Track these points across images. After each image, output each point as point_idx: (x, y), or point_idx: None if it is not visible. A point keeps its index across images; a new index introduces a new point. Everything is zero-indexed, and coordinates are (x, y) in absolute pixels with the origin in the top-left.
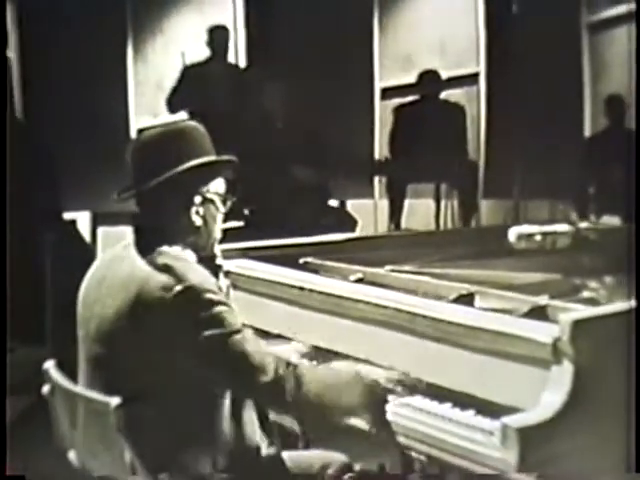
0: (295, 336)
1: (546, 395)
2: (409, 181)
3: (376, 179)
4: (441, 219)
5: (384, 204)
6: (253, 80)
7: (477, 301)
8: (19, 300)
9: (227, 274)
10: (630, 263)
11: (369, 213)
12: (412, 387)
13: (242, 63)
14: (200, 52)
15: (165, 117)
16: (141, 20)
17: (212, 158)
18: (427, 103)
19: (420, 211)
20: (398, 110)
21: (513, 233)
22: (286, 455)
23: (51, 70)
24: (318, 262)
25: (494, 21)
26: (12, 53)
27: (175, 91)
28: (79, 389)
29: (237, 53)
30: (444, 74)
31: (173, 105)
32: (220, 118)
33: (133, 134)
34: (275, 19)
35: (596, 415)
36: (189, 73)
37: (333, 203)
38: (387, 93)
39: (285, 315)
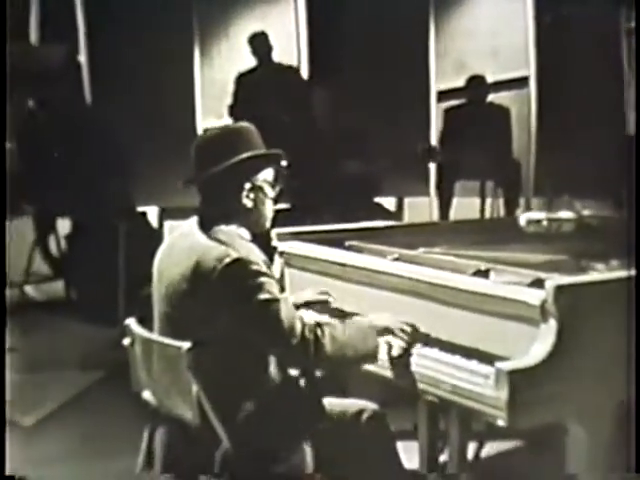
0: (338, 305)
1: (534, 347)
2: (457, 179)
3: (431, 178)
4: (486, 216)
5: None
6: (311, 83)
7: (492, 276)
8: (94, 283)
9: (281, 254)
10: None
11: (425, 210)
12: (420, 339)
13: (304, 66)
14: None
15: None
16: (207, 26)
17: (260, 151)
18: (474, 106)
19: (466, 208)
20: (448, 112)
21: (523, 218)
22: (326, 401)
23: (121, 74)
24: (360, 245)
25: (542, 27)
26: (82, 57)
27: (234, 100)
28: (155, 337)
29: (299, 57)
30: (496, 78)
31: (234, 113)
32: (275, 118)
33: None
34: (336, 24)
35: (576, 366)
36: (242, 82)
37: (383, 200)
38: (443, 96)
39: (331, 288)
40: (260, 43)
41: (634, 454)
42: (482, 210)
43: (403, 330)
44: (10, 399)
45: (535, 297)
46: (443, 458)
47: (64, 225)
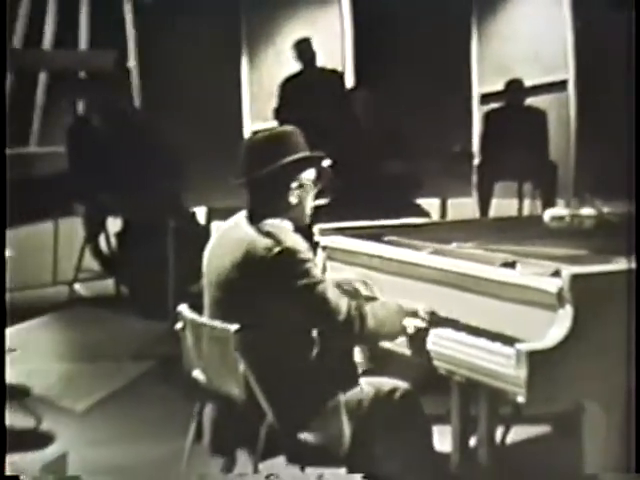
0: (375, 294)
1: (552, 331)
2: (496, 180)
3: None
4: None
5: None
6: (355, 85)
7: (518, 267)
8: (144, 279)
9: (324, 248)
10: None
11: (467, 211)
12: (442, 322)
13: (349, 69)
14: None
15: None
16: (255, 31)
17: (306, 154)
18: (512, 109)
19: (505, 209)
20: (487, 115)
21: (547, 215)
22: (363, 380)
23: (170, 78)
24: (398, 239)
25: (581, 32)
26: (132, 63)
27: (279, 104)
28: (205, 320)
29: (344, 60)
30: (536, 81)
31: (279, 116)
32: (318, 121)
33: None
34: (380, 29)
35: (591, 349)
36: (287, 86)
37: (426, 201)
38: (484, 99)
39: (370, 279)
40: (304, 49)
41: (634, 454)
42: (520, 210)
43: (423, 313)
44: (61, 387)
45: (553, 285)
46: (473, 442)
47: (114, 224)
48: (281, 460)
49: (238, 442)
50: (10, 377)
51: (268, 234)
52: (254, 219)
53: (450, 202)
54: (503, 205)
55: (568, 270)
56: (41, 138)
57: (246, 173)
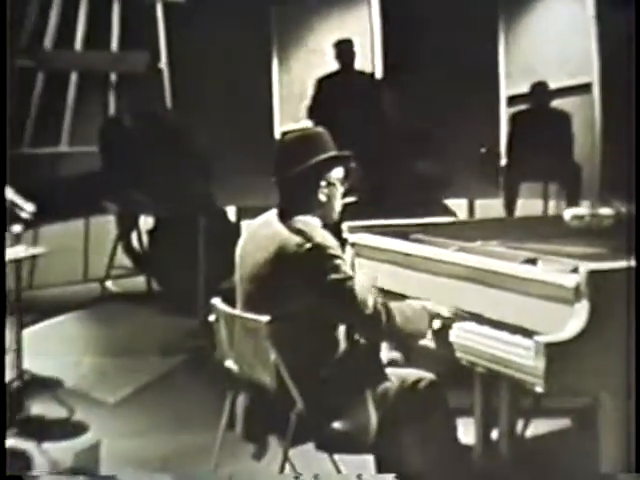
0: (402, 290)
1: (569, 324)
2: (521, 181)
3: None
4: None
5: None
6: (384, 88)
7: (539, 265)
8: (175, 276)
9: (352, 245)
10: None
11: (495, 211)
12: (463, 317)
13: (378, 69)
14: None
15: (305, 122)
16: (285, 33)
17: (334, 153)
18: (538, 111)
19: (530, 209)
20: (514, 117)
21: (568, 214)
22: (389, 370)
23: (202, 80)
24: (424, 237)
25: (605, 35)
26: (163, 64)
27: (313, 102)
28: (238, 312)
29: (374, 64)
30: (562, 84)
31: (312, 115)
32: (350, 121)
33: (277, 137)
34: (409, 31)
35: (606, 342)
36: (322, 85)
37: (454, 202)
38: (512, 101)
39: (397, 276)
40: (345, 49)
41: (634, 454)
42: (545, 211)
43: (448, 313)
44: (94, 380)
45: (570, 280)
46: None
47: (146, 222)
48: (310, 447)
49: (269, 429)
50: (43, 370)
51: (299, 231)
52: (284, 216)
53: (478, 203)
54: (528, 206)
55: (585, 266)
56: (72, 138)
57: (277, 172)
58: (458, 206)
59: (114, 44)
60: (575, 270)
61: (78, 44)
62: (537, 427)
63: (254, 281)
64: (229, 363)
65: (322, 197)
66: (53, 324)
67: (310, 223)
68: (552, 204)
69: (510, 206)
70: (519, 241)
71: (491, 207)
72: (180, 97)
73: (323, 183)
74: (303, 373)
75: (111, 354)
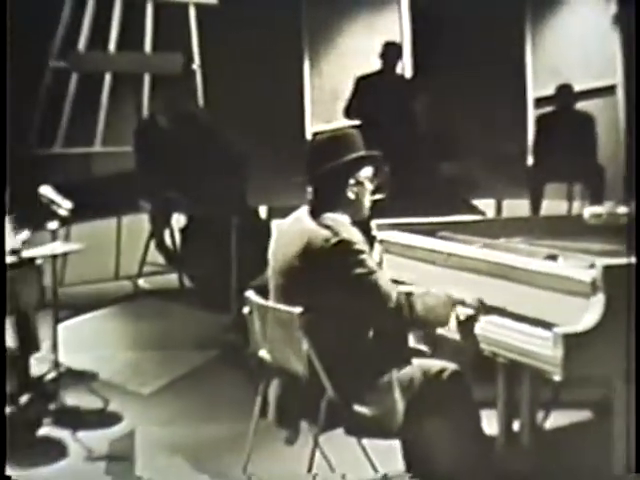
0: (427, 285)
1: (586, 316)
2: (547, 182)
3: None
4: None
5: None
6: (416, 90)
7: (560, 261)
8: (208, 273)
9: (381, 242)
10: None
11: (522, 211)
12: (487, 310)
13: (408, 74)
14: (369, 65)
15: (336, 123)
16: (316, 35)
17: (363, 153)
18: (563, 113)
19: (555, 210)
20: (540, 119)
21: (587, 212)
22: (416, 361)
23: (234, 81)
24: (451, 235)
25: (629, 38)
26: (196, 65)
27: (350, 100)
28: (271, 304)
29: (403, 66)
30: (587, 86)
31: (349, 112)
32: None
33: (308, 138)
34: (438, 34)
35: (620, 333)
36: (361, 84)
37: (482, 202)
38: (539, 102)
39: (423, 272)
40: (391, 52)
41: (634, 454)
42: (569, 211)
43: (472, 302)
44: (128, 373)
45: (587, 275)
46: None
47: (178, 220)
48: (340, 432)
49: (301, 415)
50: (78, 363)
51: (327, 227)
52: (315, 213)
53: (505, 203)
54: (554, 206)
55: (601, 262)
56: (105, 138)
57: (309, 170)
58: (486, 206)
59: (147, 46)
60: (592, 266)
61: (112, 46)
62: (557, 419)
63: (285, 275)
64: (262, 353)
65: (351, 195)
66: (87, 319)
67: (339, 220)
68: (576, 205)
69: (536, 206)
70: (541, 238)
71: (518, 207)
72: (212, 98)
73: (352, 181)
74: (333, 362)
75: (145, 348)
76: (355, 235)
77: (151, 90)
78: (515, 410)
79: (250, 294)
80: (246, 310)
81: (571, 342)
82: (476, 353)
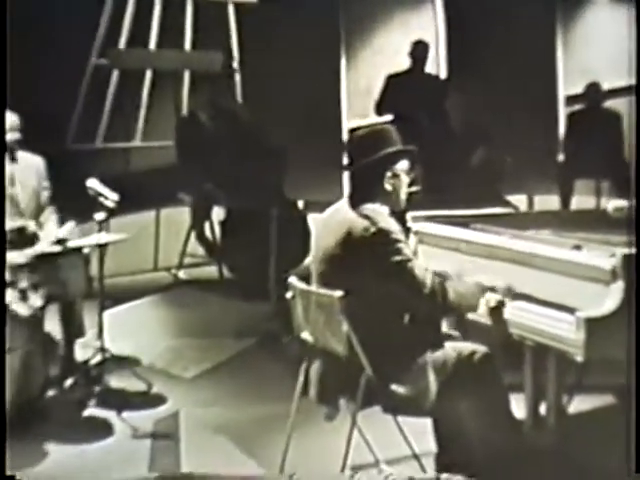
0: (460, 273)
1: (606, 301)
2: (576, 178)
3: None
4: None
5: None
6: (446, 87)
7: (584, 251)
8: (247, 264)
9: (415, 233)
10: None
11: (553, 206)
12: (515, 295)
13: (443, 74)
14: (403, 63)
15: (371, 119)
16: (353, 33)
17: (399, 147)
18: (591, 111)
19: (584, 205)
20: (570, 116)
21: (610, 206)
22: (448, 344)
23: (272, 78)
24: (483, 226)
25: None
26: (235, 63)
27: (381, 98)
28: (313, 288)
29: (438, 64)
30: (616, 84)
31: (380, 109)
32: (416, 117)
33: (345, 134)
34: (471, 32)
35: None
36: (392, 82)
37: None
38: (570, 100)
39: (457, 261)
40: (419, 50)
41: (634, 454)
42: (597, 207)
43: (502, 289)
44: (170, 358)
45: (608, 263)
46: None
47: (218, 212)
48: (377, 409)
49: (340, 393)
50: (121, 350)
51: (366, 217)
52: (354, 203)
53: (537, 199)
54: (582, 202)
55: (621, 250)
56: (145, 133)
57: (348, 163)
58: (518, 201)
59: (187, 44)
60: (613, 255)
61: (152, 44)
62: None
63: (327, 261)
64: (304, 335)
65: (388, 187)
66: (128, 308)
67: (377, 210)
68: (604, 200)
69: (565, 201)
70: (568, 230)
71: (549, 203)
72: (251, 94)
73: (389, 174)
74: (371, 342)
75: (185, 336)
76: (392, 225)
77: (191, 87)
78: (541, 394)
79: (293, 280)
80: (289, 295)
81: (593, 325)
82: (505, 337)
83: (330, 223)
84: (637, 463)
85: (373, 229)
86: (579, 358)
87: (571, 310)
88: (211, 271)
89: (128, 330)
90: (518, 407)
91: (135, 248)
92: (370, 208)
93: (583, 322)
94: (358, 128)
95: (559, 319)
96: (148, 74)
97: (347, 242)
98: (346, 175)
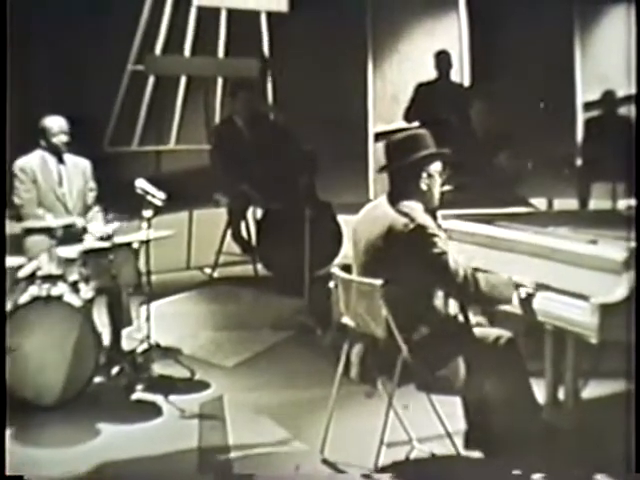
0: (486, 266)
1: (618, 289)
2: (593, 181)
3: None
4: None
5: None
6: (471, 95)
7: (600, 244)
8: (283, 261)
9: (445, 230)
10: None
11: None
12: (537, 286)
13: (466, 81)
14: (427, 70)
15: (397, 124)
16: (379, 41)
17: (433, 150)
18: (607, 117)
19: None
20: (587, 123)
21: (623, 204)
22: (476, 329)
23: (303, 85)
24: (506, 224)
25: None
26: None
27: (410, 104)
28: (355, 277)
29: (462, 71)
30: (630, 91)
31: (408, 117)
32: (445, 125)
33: (370, 138)
34: (494, 40)
35: None
36: (420, 91)
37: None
38: (587, 107)
39: (483, 255)
40: (442, 60)
41: (634, 454)
42: (613, 208)
43: (530, 282)
44: (210, 349)
45: (620, 255)
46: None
47: (254, 212)
48: (412, 388)
49: (379, 372)
50: (162, 341)
51: (405, 214)
52: (393, 201)
53: (556, 202)
54: (599, 205)
55: (631, 244)
56: (179, 137)
57: (387, 165)
58: (539, 204)
59: (220, 51)
60: (624, 248)
61: (186, 51)
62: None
63: (368, 253)
64: (345, 320)
65: (423, 186)
66: (167, 303)
67: (414, 207)
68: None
69: (583, 203)
70: (583, 227)
71: (567, 205)
72: (282, 100)
73: (424, 174)
74: (408, 326)
75: (223, 329)
76: (428, 221)
77: (227, 93)
78: (560, 380)
79: (336, 270)
80: (332, 284)
81: (606, 311)
82: (533, 324)
83: (370, 218)
84: (637, 463)
85: (412, 225)
86: (593, 340)
87: (586, 298)
88: (245, 269)
89: (168, 323)
90: (539, 393)
91: (168, 248)
92: (407, 205)
93: (597, 308)
94: (385, 133)
95: (576, 306)
96: (182, 80)
97: (388, 236)
98: (378, 176)
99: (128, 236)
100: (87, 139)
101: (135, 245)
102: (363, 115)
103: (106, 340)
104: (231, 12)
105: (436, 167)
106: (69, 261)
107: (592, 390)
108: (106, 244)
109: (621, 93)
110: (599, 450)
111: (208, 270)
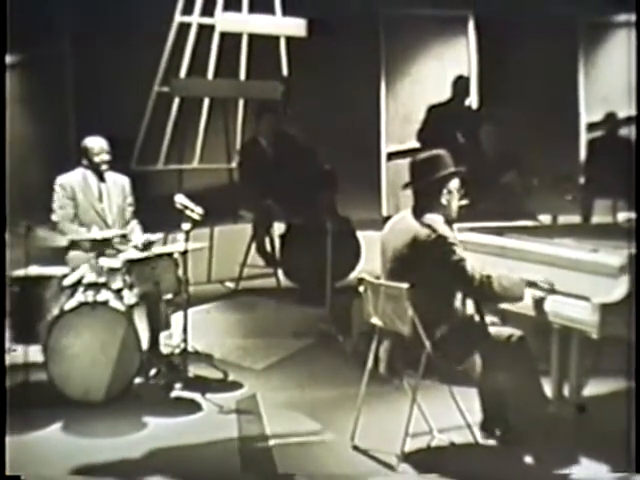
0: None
1: (616, 290)
2: (595, 198)
3: None
4: None
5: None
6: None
7: (601, 253)
8: (305, 274)
9: (461, 242)
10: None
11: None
12: (551, 290)
13: (474, 103)
14: (438, 92)
15: (408, 144)
16: (393, 65)
17: (452, 169)
18: (608, 137)
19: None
20: (590, 143)
21: (621, 217)
22: (490, 328)
23: (319, 107)
24: (515, 235)
25: None
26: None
27: (423, 126)
28: (384, 282)
29: (470, 94)
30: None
31: (421, 137)
32: (457, 147)
33: (383, 158)
34: (502, 65)
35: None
36: (433, 112)
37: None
38: (591, 127)
39: (494, 263)
40: (460, 85)
41: (634, 454)
42: (613, 222)
43: (544, 284)
44: (239, 354)
45: (617, 261)
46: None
47: (279, 227)
48: (433, 385)
49: (405, 367)
50: (193, 347)
51: (428, 225)
52: (417, 214)
53: (561, 218)
54: (601, 220)
55: (627, 251)
56: (202, 156)
57: (412, 182)
58: (543, 220)
59: (242, 73)
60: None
61: (210, 73)
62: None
63: (395, 260)
64: (374, 320)
65: (444, 201)
66: (194, 312)
67: (435, 219)
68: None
69: (586, 219)
70: (586, 238)
71: (571, 221)
72: (299, 120)
73: (445, 191)
74: (431, 325)
75: (249, 336)
76: (448, 232)
77: (244, 114)
78: (565, 377)
79: (364, 275)
80: (361, 289)
81: (605, 309)
82: (544, 324)
83: (396, 229)
84: (637, 463)
85: (434, 235)
86: (595, 336)
87: (588, 299)
88: (268, 281)
89: (198, 330)
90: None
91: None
92: (430, 218)
93: (598, 307)
94: (397, 152)
95: (579, 306)
96: (206, 102)
97: (413, 245)
98: (391, 193)
99: (169, 246)
100: (117, 158)
101: (175, 255)
102: (376, 135)
103: (144, 343)
104: (252, 37)
105: (454, 184)
106: (112, 270)
107: (593, 388)
108: (149, 254)
109: (622, 114)
110: (601, 441)
111: (229, 283)
